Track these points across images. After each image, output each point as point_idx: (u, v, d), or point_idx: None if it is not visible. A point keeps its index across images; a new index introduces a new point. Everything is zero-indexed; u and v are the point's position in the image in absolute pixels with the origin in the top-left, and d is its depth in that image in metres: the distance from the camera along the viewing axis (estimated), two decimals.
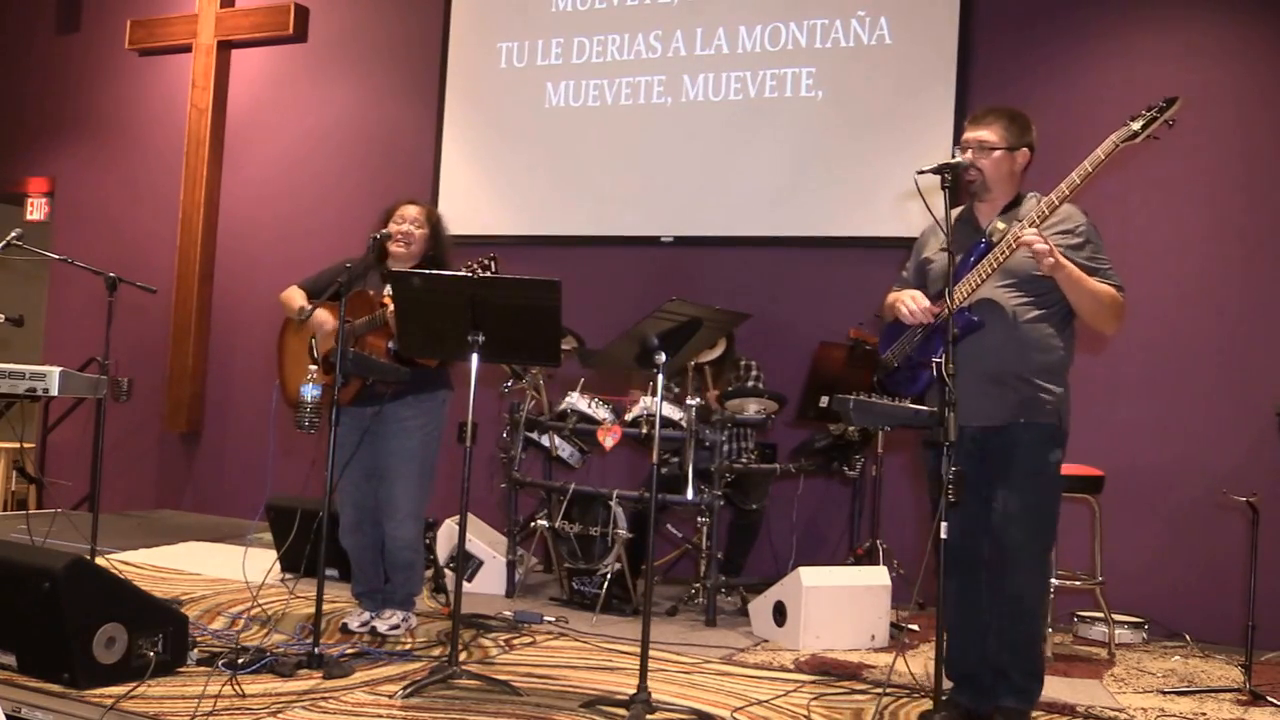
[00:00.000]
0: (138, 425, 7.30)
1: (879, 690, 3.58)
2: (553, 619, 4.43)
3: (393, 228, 4.03)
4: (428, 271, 3.74)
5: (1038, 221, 2.99)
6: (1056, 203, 2.97)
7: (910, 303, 3.16)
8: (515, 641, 4.09)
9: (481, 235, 6.12)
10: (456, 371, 4.15)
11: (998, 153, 3.13)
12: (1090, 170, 2.93)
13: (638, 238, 6.04)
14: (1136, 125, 2.93)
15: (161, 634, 3.29)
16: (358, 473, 4.04)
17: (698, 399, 4.64)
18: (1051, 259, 2.94)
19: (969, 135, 3.17)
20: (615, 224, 6.11)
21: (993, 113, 3.20)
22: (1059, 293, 3.07)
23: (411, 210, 4.11)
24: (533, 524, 5.00)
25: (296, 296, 4.07)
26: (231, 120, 7.29)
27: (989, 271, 3.04)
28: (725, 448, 5.09)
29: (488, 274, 3.56)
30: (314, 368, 3.86)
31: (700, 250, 5.93)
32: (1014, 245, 2.98)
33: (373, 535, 4.11)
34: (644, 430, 4.65)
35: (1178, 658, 4.45)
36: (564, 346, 4.59)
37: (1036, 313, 3.09)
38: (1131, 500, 4.87)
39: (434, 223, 4.14)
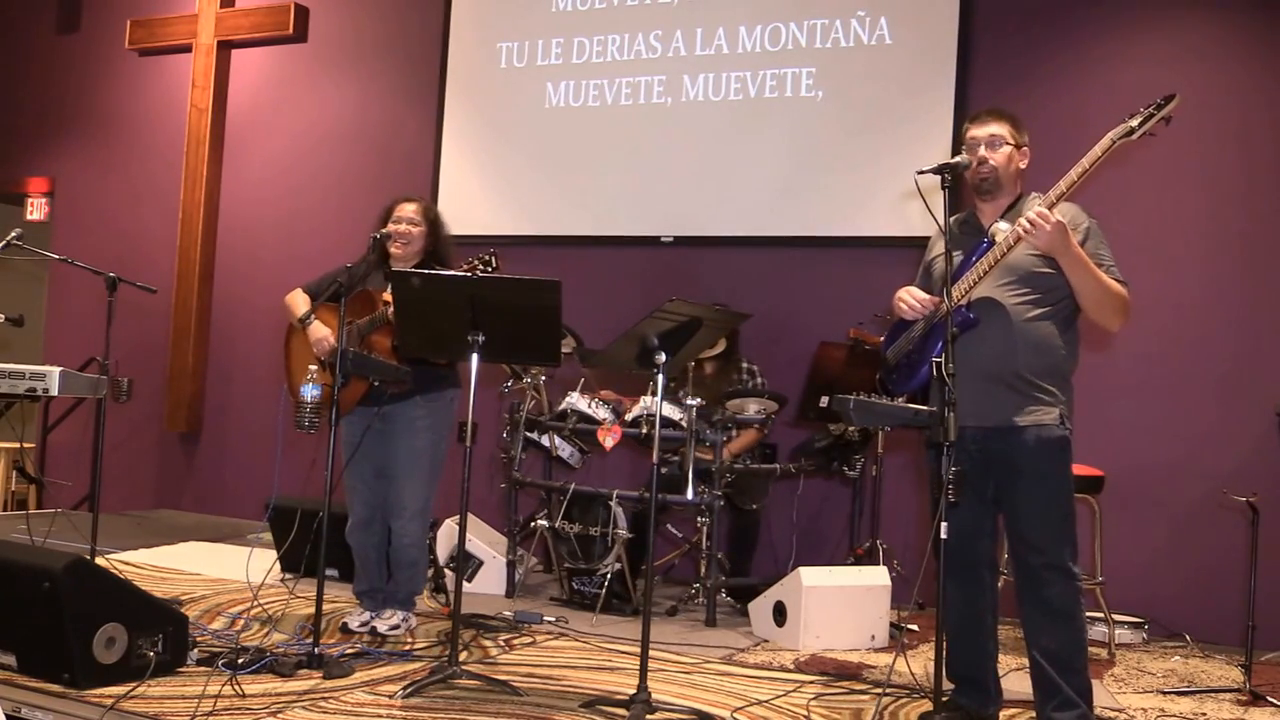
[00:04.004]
0: (138, 425, 7.30)
1: (879, 690, 3.58)
2: (553, 619, 4.43)
3: (391, 227, 4.02)
4: (427, 271, 3.73)
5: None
6: (1054, 199, 2.97)
7: (908, 297, 3.19)
8: (515, 641, 4.09)
9: (481, 235, 6.12)
10: (461, 369, 4.14)
11: (1007, 147, 3.15)
12: (1088, 167, 2.92)
13: (638, 238, 6.03)
14: (1134, 122, 2.91)
15: (161, 634, 3.29)
16: (368, 471, 4.05)
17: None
18: (1046, 224, 2.85)
19: (977, 132, 3.17)
20: (615, 224, 6.11)
21: (994, 111, 3.22)
22: (1062, 292, 3.05)
23: (409, 209, 4.08)
24: (533, 524, 4.99)
25: (300, 301, 4.06)
26: (231, 120, 7.29)
27: (986, 269, 3.04)
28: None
29: (489, 270, 3.56)
30: (314, 367, 3.85)
31: (700, 250, 5.93)
32: (1021, 231, 2.94)
33: (381, 533, 4.12)
34: (644, 430, 4.65)
35: (1178, 658, 4.45)
36: (564, 347, 4.60)
37: (1037, 312, 3.08)
38: (1131, 500, 4.87)
39: (431, 219, 4.11)
